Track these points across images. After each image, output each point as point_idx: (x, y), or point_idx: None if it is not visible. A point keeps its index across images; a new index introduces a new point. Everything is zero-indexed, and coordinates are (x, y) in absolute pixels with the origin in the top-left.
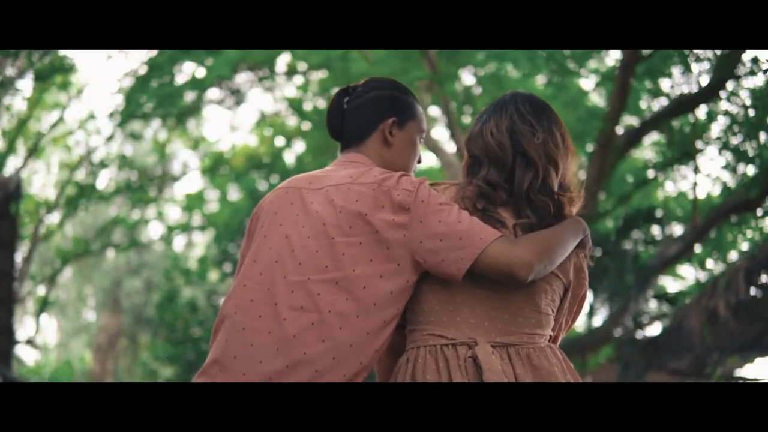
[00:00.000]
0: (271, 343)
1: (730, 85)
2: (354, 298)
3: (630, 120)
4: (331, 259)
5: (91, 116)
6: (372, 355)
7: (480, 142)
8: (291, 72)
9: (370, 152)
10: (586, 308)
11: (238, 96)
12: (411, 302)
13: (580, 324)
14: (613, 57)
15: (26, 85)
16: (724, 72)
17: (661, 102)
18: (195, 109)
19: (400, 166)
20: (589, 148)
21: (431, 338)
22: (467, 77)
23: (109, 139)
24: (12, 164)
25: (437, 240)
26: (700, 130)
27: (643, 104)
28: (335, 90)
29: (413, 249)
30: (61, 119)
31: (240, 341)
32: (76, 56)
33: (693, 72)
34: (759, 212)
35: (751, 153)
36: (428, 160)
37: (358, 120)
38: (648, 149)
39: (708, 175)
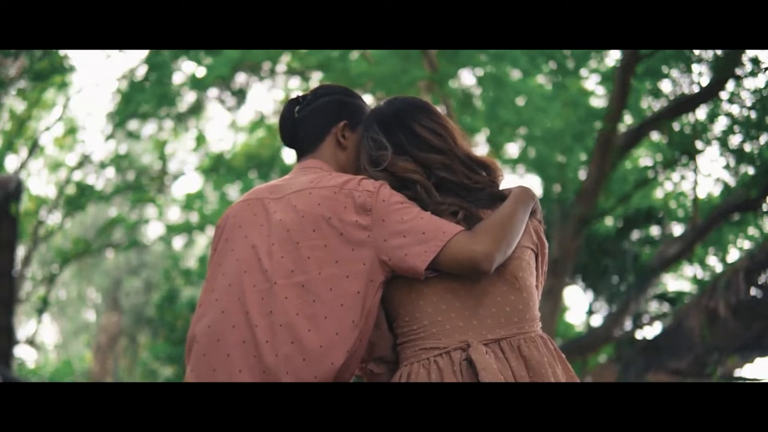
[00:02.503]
0: (247, 351)
1: (730, 85)
2: (321, 300)
3: (630, 120)
4: (296, 264)
5: (90, 116)
6: (344, 355)
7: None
8: (291, 72)
9: (326, 157)
10: (585, 308)
11: (238, 96)
12: (397, 319)
13: (580, 324)
14: (613, 57)
15: (23, 84)
16: (724, 72)
17: (661, 102)
18: (195, 109)
19: (355, 168)
20: (590, 148)
21: (423, 352)
22: (467, 78)
23: (109, 138)
24: (12, 164)
25: (401, 237)
26: (700, 130)
27: (643, 104)
28: None
29: (378, 248)
30: (60, 119)
31: (217, 353)
32: (76, 56)
33: (693, 72)
34: (759, 212)
35: (751, 153)
36: None
37: (311, 127)
38: (646, 150)
39: (708, 175)
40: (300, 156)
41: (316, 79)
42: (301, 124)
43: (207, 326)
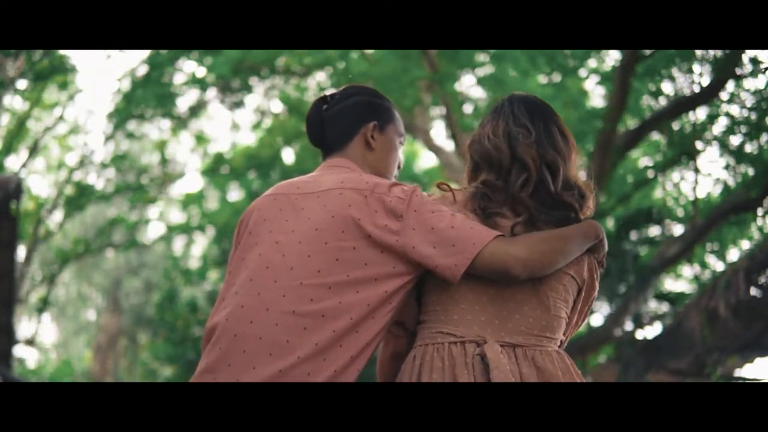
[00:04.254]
0: (264, 349)
1: (730, 85)
2: (348, 302)
3: (630, 120)
4: (324, 264)
5: (91, 116)
6: (361, 347)
7: (478, 147)
8: (290, 72)
9: (354, 157)
10: None
11: (237, 96)
12: (425, 295)
13: None
14: (613, 57)
15: (23, 84)
16: (724, 72)
17: (661, 102)
18: (195, 109)
19: (382, 169)
20: (590, 148)
21: (440, 336)
22: (467, 79)
23: (109, 138)
24: (12, 164)
25: (430, 247)
26: (700, 130)
27: (643, 104)
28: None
29: (407, 254)
30: (60, 119)
31: (232, 348)
32: (76, 56)
33: (693, 72)
34: (759, 212)
35: (751, 153)
36: (428, 160)
37: (339, 126)
38: (646, 150)
39: (708, 174)
40: (326, 154)
41: (315, 79)
42: (328, 123)
43: (225, 319)
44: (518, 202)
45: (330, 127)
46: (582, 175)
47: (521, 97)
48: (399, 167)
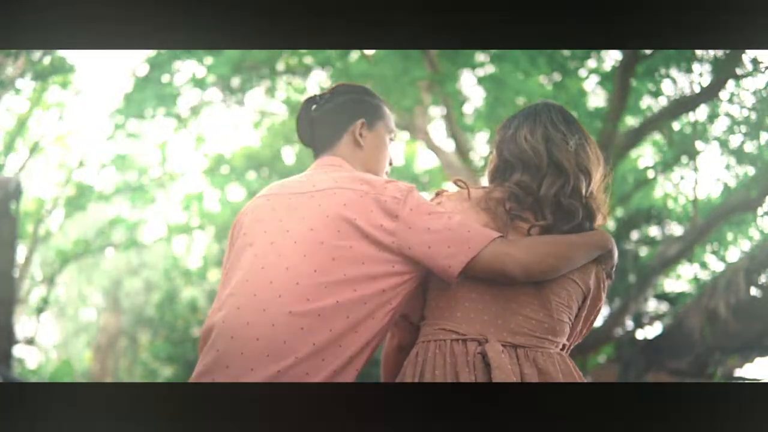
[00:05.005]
0: (261, 350)
1: (730, 85)
2: (344, 300)
3: (630, 120)
4: (320, 263)
5: (91, 115)
6: (360, 347)
7: (513, 147)
8: (290, 72)
9: (344, 155)
10: None
11: (238, 96)
12: (429, 290)
13: None
14: (613, 57)
15: (25, 84)
16: (724, 72)
17: (661, 102)
18: (196, 109)
19: (373, 166)
20: None
21: (442, 333)
22: (467, 79)
23: (109, 138)
24: (12, 164)
25: (425, 247)
26: (701, 130)
27: (643, 104)
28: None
29: (403, 254)
30: (60, 119)
31: (230, 350)
32: (76, 56)
33: (693, 72)
34: (759, 212)
35: (751, 153)
36: (428, 160)
37: (328, 125)
38: (646, 150)
39: (708, 175)
40: (317, 154)
41: (315, 78)
42: (318, 122)
43: (221, 321)
44: (548, 207)
45: (319, 127)
46: (604, 187)
47: (557, 106)
48: (390, 164)
